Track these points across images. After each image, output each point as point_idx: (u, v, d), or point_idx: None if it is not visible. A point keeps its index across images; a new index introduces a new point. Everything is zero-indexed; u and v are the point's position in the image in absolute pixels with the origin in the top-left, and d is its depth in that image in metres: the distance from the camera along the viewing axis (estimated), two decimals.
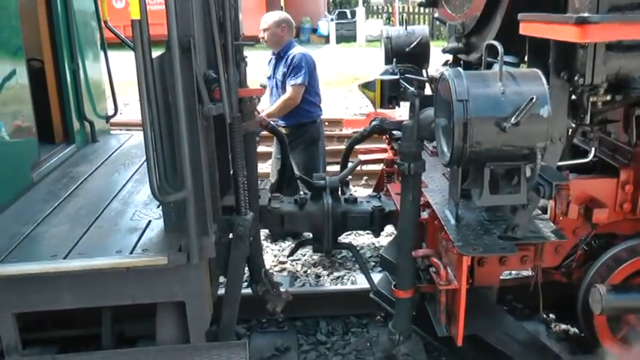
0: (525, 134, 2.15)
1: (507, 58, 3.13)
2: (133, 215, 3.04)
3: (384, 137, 4.52)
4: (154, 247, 2.66)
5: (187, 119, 2.40)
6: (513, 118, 2.09)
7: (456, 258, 2.64)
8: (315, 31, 21.17)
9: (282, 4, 19.62)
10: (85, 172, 3.79)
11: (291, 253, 4.19)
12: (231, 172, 2.98)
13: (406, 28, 4.61)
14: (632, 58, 2.29)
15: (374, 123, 4.19)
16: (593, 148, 2.72)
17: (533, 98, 2.09)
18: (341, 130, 9.83)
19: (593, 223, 2.98)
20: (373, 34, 21.11)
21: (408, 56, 4.48)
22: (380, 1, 24.23)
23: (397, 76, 3.60)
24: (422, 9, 23.22)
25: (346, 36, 20.23)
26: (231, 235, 2.92)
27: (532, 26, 2.50)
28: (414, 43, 4.46)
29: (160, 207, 3.06)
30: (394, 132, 4.18)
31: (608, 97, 2.39)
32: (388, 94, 3.55)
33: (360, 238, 5.42)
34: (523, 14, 2.58)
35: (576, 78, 2.31)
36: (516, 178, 2.33)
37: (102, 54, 4.77)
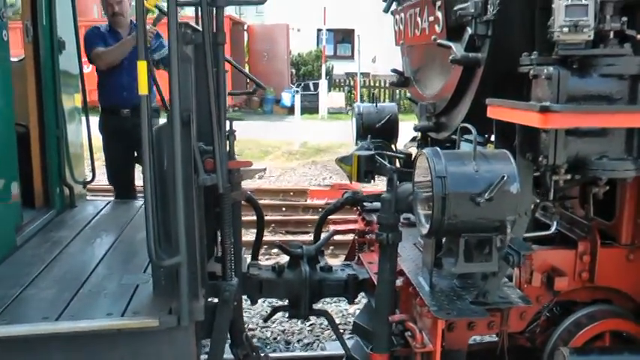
0: (497, 208, 2.38)
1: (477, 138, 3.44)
2: (120, 279, 3.15)
3: (355, 209, 4.74)
4: (144, 309, 2.76)
5: (184, 188, 2.57)
6: (487, 194, 2.33)
7: (431, 322, 2.81)
8: (278, 102, 21.67)
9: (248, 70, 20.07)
10: (67, 237, 3.88)
11: (267, 319, 4.29)
12: (219, 239, 3.12)
13: (376, 105, 4.92)
14: (589, 143, 2.57)
15: (347, 195, 4.42)
16: (555, 222, 2.97)
17: (504, 176, 2.33)
18: (306, 200, 10.03)
19: (555, 290, 3.20)
20: (335, 107, 21.73)
21: (378, 132, 4.77)
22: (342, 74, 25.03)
23: (372, 152, 3.84)
24: (384, 82, 24.09)
25: (309, 108, 20.75)
26: (215, 300, 3.05)
27: (499, 110, 2.78)
28: (384, 120, 4.76)
29: (146, 271, 3.18)
30: (366, 204, 4.42)
31: (569, 176, 2.65)
32: (364, 168, 3.78)
33: (327, 306, 5.55)
34: (490, 99, 2.86)
35: (540, 159, 2.57)
36: (487, 247, 2.54)
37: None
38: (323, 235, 4.35)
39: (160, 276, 2.88)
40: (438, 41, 3.22)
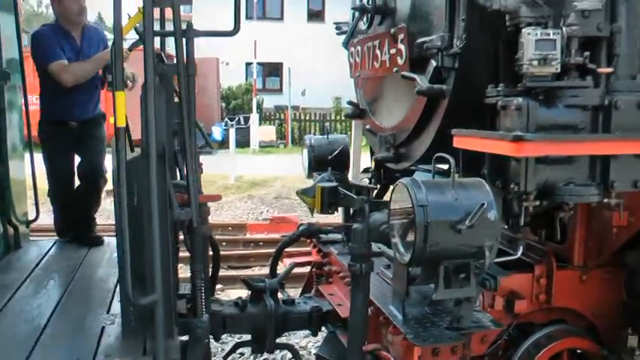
0: (477, 235, 2.43)
1: (441, 166, 3.54)
2: (84, 321, 3.01)
3: (309, 241, 4.74)
4: (115, 352, 2.66)
5: (160, 224, 2.50)
6: (468, 221, 2.38)
7: (404, 350, 2.83)
8: (208, 136, 21.52)
9: None
10: (16, 280, 3.70)
11: (227, 356, 4.19)
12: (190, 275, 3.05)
13: (328, 137, 4.97)
14: (557, 170, 2.67)
15: (302, 227, 4.44)
16: (520, 247, 3.06)
17: (484, 204, 2.40)
18: (245, 234, 9.95)
19: (515, 313, 3.29)
20: (266, 140, 21.77)
21: (330, 163, 4.82)
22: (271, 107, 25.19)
23: (335, 184, 3.86)
24: (314, 115, 24.37)
25: (240, 141, 20.68)
26: (185, 338, 2.97)
27: (467, 140, 2.86)
28: (336, 152, 4.82)
29: (109, 312, 3.07)
30: (321, 235, 4.44)
31: (537, 202, 2.75)
32: (328, 200, 3.80)
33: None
34: (456, 130, 2.94)
35: (512, 186, 2.65)
36: (465, 273, 2.59)
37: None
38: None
39: (129, 316, 2.78)
40: (402, 73, 3.29)
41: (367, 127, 4.07)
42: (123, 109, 2.26)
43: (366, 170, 4.82)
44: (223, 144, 20.49)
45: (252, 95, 22.61)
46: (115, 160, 2.41)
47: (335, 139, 4.97)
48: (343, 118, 24.90)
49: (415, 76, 3.22)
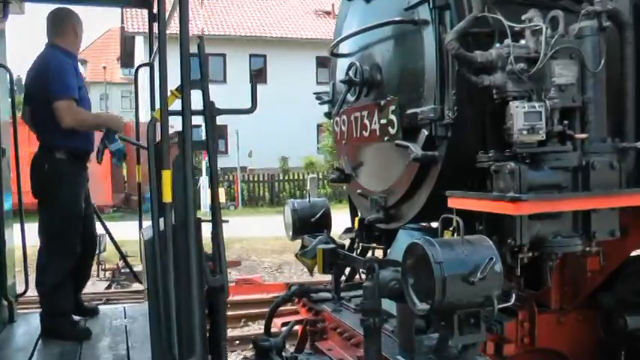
0: (486, 285, 2.74)
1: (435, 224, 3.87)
2: None
3: (297, 300, 4.96)
4: None
5: (198, 288, 2.71)
6: (479, 274, 2.68)
7: None
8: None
9: (125, 173, 19.88)
10: (22, 356, 3.75)
11: None
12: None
13: (309, 201, 5.28)
14: (546, 224, 3.03)
15: (294, 288, 4.69)
16: (513, 294, 3.38)
17: (492, 258, 2.72)
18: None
19: (504, 356, 3.58)
20: None
21: (313, 226, 5.11)
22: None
23: (334, 245, 4.14)
24: (261, 176, 24.61)
25: None
26: None
27: (462, 201, 3.20)
28: (319, 214, 5.12)
29: None
30: (312, 295, 4.69)
31: (530, 254, 3.09)
32: (328, 260, 4.06)
33: None
34: (450, 192, 3.28)
35: (509, 240, 2.99)
36: (474, 320, 2.89)
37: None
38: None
39: None
40: (397, 142, 3.62)
41: (358, 191, 4.36)
42: (169, 186, 2.50)
43: (348, 230, 5.11)
44: None
45: (200, 158, 22.75)
46: (156, 230, 2.61)
47: (315, 203, 5.30)
48: (291, 178, 25.35)
49: (409, 144, 3.57)
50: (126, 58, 32.48)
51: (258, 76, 29.34)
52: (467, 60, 3.11)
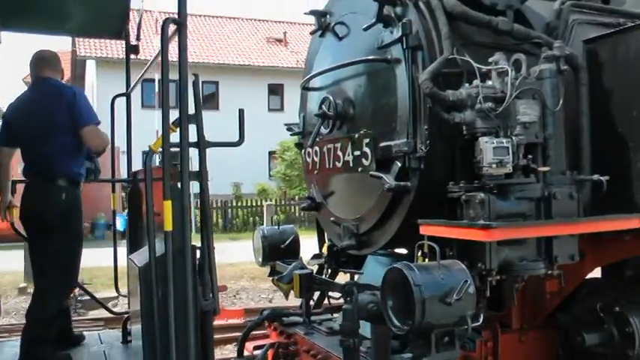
0: (461, 306, 2.97)
1: (402, 250, 4.11)
2: None
3: (268, 324, 5.11)
4: None
5: (194, 312, 2.85)
6: (455, 295, 2.91)
7: None
8: (110, 226, 21.17)
9: None
10: None
11: None
12: None
13: (279, 228, 5.47)
14: (513, 250, 3.28)
15: (266, 312, 4.85)
16: (482, 315, 3.61)
17: (467, 280, 2.95)
18: None
19: None
20: None
21: (283, 252, 5.30)
22: None
23: (310, 270, 4.32)
24: (213, 203, 24.54)
25: None
26: None
27: (434, 229, 3.44)
28: (289, 241, 5.31)
29: None
30: (283, 318, 4.85)
31: (498, 277, 3.34)
32: (305, 285, 4.24)
33: None
34: (422, 220, 3.51)
35: (479, 265, 3.23)
36: (448, 338, 3.11)
37: None
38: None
39: None
40: (371, 173, 3.85)
41: (331, 219, 4.56)
42: (170, 215, 2.64)
43: (316, 256, 5.29)
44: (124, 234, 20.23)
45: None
46: (152, 256, 2.75)
47: (285, 230, 5.49)
48: (244, 204, 25.37)
49: (382, 175, 3.80)
50: (76, 82, 32.06)
51: (209, 102, 29.45)
52: (440, 99, 3.37)
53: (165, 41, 2.70)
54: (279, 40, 33.66)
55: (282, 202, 25.45)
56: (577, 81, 3.62)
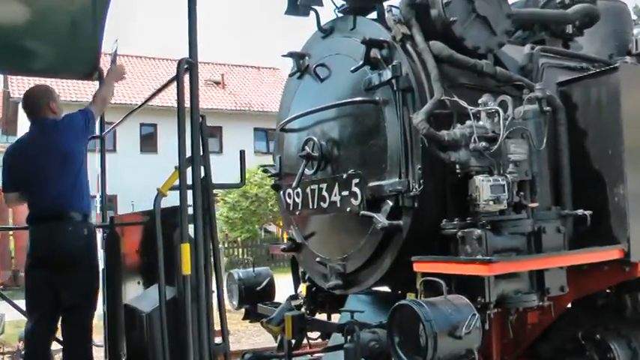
0: (470, 339, 3.05)
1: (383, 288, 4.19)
2: None
3: None
4: None
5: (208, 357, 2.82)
6: (465, 328, 3.00)
7: None
8: None
9: (12, 247, 18.91)
10: None
11: None
12: None
13: (254, 270, 5.47)
14: (509, 283, 3.41)
15: (247, 356, 4.80)
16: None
17: (475, 314, 3.04)
18: None
19: None
20: None
21: (259, 295, 5.29)
22: None
23: (301, 312, 4.32)
24: None
25: None
26: None
27: (429, 265, 3.53)
28: (264, 284, 5.31)
29: None
30: None
31: (495, 310, 3.45)
32: (298, 326, 4.23)
33: None
34: (417, 257, 3.61)
35: (479, 299, 3.33)
36: None
37: None
38: None
39: None
40: (362, 212, 3.92)
41: (317, 259, 4.57)
42: (188, 258, 2.63)
43: (294, 297, 5.29)
44: None
45: None
46: (163, 300, 2.72)
47: (259, 272, 5.49)
48: None
49: (374, 214, 3.88)
50: (8, 125, 30.92)
51: (147, 144, 29.08)
52: (436, 139, 3.50)
53: (180, 82, 2.71)
54: (217, 83, 33.66)
55: (226, 245, 25.16)
56: (556, 121, 3.84)
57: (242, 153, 3.20)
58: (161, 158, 28.35)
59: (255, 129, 32.01)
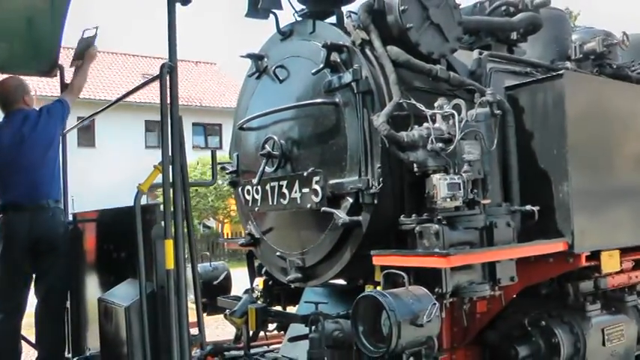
0: (430, 327, 3.27)
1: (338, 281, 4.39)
2: None
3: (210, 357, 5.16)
4: None
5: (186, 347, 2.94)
6: (426, 317, 3.22)
7: None
8: None
9: None
10: None
11: None
12: None
13: (210, 265, 5.58)
14: (463, 274, 3.64)
15: (209, 347, 4.90)
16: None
17: (435, 303, 3.26)
18: None
19: None
20: None
21: (216, 289, 5.41)
22: None
23: (264, 304, 4.46)
24: None
25: None
26: None
27: (388, 259, 3.74)
28: (221, 278, 5.44)
29: None
30: (225, 353, 4.94)
31: (451, 300, 3.69)
32: (261, 318, 4.37)
33: None
34: (376, 251, 3.81)
35: (436, 289, 3.55)
36: (415, 358, 3.39)
37: None
38: None
39: None
40: (323, 208, 4.08)
41: (277, 253, 4.71)
42: (172, 256, 2.73)
43: (249, 291, 5.42)
44: None
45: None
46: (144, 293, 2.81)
47: (217, 267, 5.61)
48: None
49: (334, 210, 4.06)
50: None
51: (84, 138, 28.44)
52: (396, 140, 3.70)
53: (164, 85, 2.80)
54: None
55: None
56: (504, 123, 4.10)
57: (213, 152, 3.31)
58: (100, 153, 27.90)
59: (194, 124, 31.71)
